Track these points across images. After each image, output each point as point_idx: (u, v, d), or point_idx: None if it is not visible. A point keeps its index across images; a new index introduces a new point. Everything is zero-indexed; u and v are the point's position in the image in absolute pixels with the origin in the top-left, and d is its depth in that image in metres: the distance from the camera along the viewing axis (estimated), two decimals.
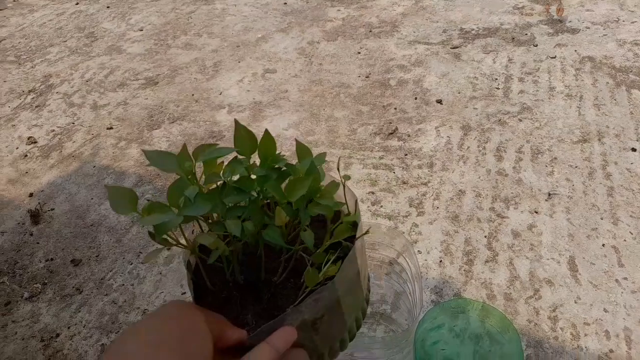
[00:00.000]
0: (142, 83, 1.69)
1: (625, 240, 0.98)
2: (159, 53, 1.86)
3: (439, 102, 1.42)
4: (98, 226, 1.15)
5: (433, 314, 0.73)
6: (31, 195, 1.25)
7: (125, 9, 2.27)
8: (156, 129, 1.46)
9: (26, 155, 1.40)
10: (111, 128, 1.48)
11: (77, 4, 2.36)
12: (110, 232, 1.13)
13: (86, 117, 1.54)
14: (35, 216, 1.17)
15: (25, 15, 2.29)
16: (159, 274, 1.02)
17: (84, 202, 1.22)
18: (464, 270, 0.97)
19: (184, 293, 0.97)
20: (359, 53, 1.72)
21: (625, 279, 0.92)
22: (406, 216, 1.09)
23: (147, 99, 1.60)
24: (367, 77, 1.58)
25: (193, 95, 1.59)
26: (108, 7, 2.31)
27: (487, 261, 0.98)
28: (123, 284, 1.01)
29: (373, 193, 1.16)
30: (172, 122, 1.47)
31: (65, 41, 2.02)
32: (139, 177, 1.28)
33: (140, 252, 1.07)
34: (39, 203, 1.22)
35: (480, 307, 0.73)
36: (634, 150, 1.18)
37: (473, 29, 1.75)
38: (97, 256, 1.07)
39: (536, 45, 1.61)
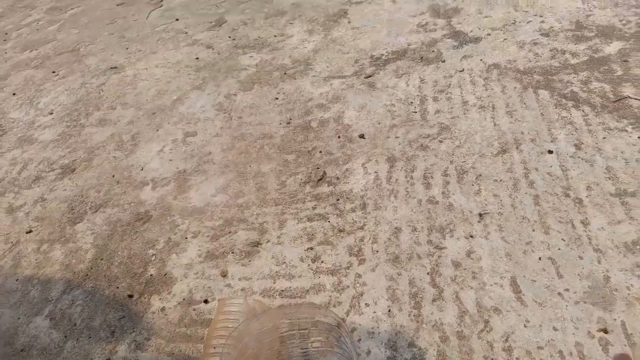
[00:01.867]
0: (59, 173, 1.60)
1: (559, 249, 1.00)
2: (73, 135, 1.78)
3: (362, 136, 1.42)
4: (29, 350, 1.06)
5: None
6: None
7: (33, 92, 2.17)
8: (79, 222, 1.38)
9: None
10: (30, 231, 1.38)
11: None
12: (43, 355, 1.04)
13: (2, 223, 1.44)
14: None
15: None
16: None
17: (11, 324, 1.13)
18: (414, 315, 0.95)
19: None
20: (277, 99, 1.70)
21: (567, 290, 0.93)
22: (348, 268, 1.07)
23: (65, 189, 1.52)
24: (288, 122, 1.57)
25: (114, 176, 1.52)
26: (14, 93, 2.20)
27: (434, 300, 0.97)
28: None
29: (312, 249, 1.14)
30: (95, 211, 1.40)
31: None
32: (67, 282, 1.20)
33: None
34: None
35: None
36: (550, 152, 1.21)
37: (383, 55, 1.78)
38: None
39: (444, 61, 1.65)
